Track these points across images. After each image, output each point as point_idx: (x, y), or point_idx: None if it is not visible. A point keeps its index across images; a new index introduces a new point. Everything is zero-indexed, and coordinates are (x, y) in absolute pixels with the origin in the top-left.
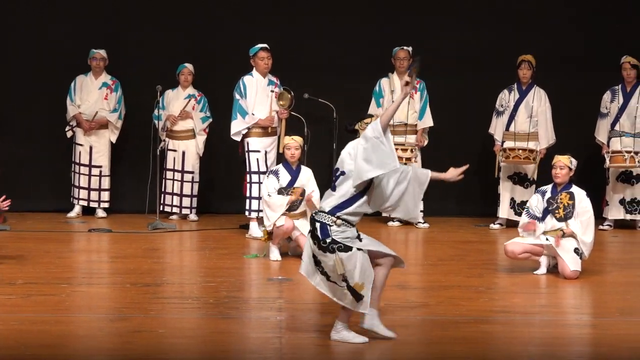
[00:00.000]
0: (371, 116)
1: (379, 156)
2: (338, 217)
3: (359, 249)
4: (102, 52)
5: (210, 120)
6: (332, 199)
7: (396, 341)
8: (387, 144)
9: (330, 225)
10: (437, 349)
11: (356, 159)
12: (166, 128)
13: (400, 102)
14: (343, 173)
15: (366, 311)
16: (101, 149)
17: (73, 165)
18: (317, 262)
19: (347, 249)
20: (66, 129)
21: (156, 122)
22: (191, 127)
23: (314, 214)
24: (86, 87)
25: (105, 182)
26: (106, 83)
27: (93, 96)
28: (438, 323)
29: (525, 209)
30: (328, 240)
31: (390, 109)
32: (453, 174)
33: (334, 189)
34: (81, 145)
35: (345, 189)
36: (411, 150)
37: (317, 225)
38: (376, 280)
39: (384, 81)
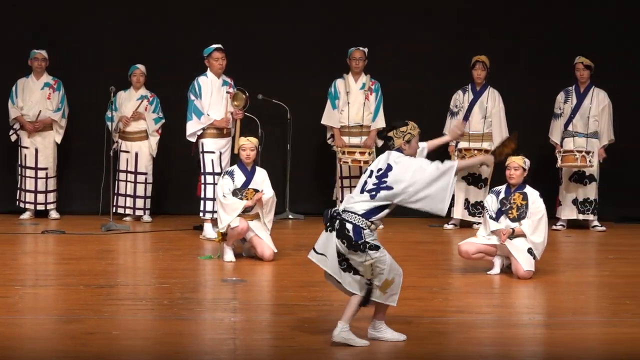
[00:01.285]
0: (405, 124)
1: (436, 193)
2: (372, 222)
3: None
4: (43, 53)
5: (163, 121)
6: (367, 204)
7: None
8: (448, 186)
9: (364, 229)
10: (390, 348)
11: (412, 187)
12: (119, 129)
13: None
14: (390, 188)
15: (394, 304)
16: (46, 150)
17: (19, 168)
18: (342, 261)
19: (377, 247)
20: (10, 133)
21: (109, 123)
22: (144, 128)
23: (341, 213)
24: (28, 88)
25: (51, 184)
26: (48, 83)
27: (35, 97)
28: (392, 323)
29: (485, 210)
30: (360, 242)
31: (470, 162)
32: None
33: (372, 197)
34: (26, 147)
35: (385, 201)
36: (369, 154)
37: (349, 226)
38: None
39: (339, 82)
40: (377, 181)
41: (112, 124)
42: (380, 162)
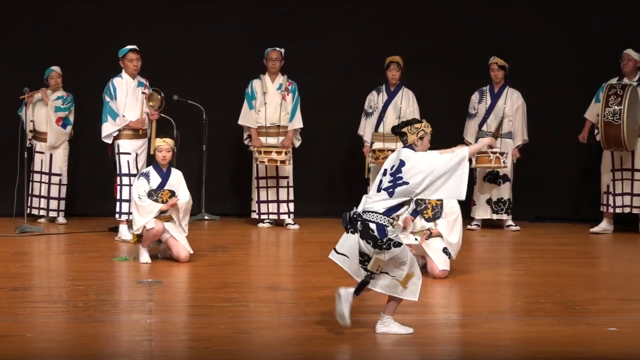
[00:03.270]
0: (419, 121)
1: (455, 181)
2: (393, 219)
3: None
4: None
5: (66, 113)
6: (386, 202)
7: (266, 342)
8: (464, 172)
9: (387, 226)
10: (307, 349)
11: (429, 177)
12: (33, 130)
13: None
14: (407, 183)
15: (415, 299)
16: None
17: None
18: (363, 259)
19: (400, 244)
20: None
21: (25, 121)
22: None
23: (362, 214)
24: None
25: None
26: None
27: None
28: (308, 324)
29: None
30: (385, 240)
31: (477, 146)
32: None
33: (390, 195)
34: None
35: (403, 197)
36: (285, 153)
37: (373, 226)
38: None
39: (255, 82)
40: (392, 178)
41: (25, 125)
42: (392, 160)
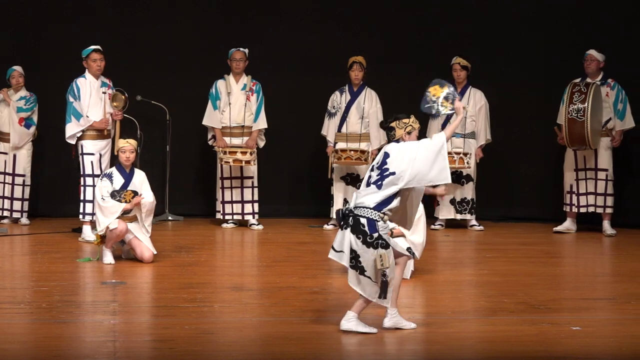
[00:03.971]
0: (408, 116)
1: (439, 166)
2: (384, 213)
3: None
4: None
5: (29, 113)
6: (377, 196)
7: (231, 342)
8: (445, 156)
9: (377, 221)
10: (271, 349)
11: (413, 163)
12: None
13: (456, 126)
14: (393, 173)
15: (388, 305)
16: None
17: None
18: (350, 256)
19: (387, 245)
20: None
21: None
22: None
23: (353, 210)
24: None
25: None
26: None
27: None
28: (272, 324)
29: None
30: (375, 236)
31: (454, 125)
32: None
33: (379, 187)
34: None
35: (392, 188)
36: (250, 153)
37: (364, 221)
38: (395, 279)
39: (220, 83)
40: (379, 172)
41: None
42: (378, 157)
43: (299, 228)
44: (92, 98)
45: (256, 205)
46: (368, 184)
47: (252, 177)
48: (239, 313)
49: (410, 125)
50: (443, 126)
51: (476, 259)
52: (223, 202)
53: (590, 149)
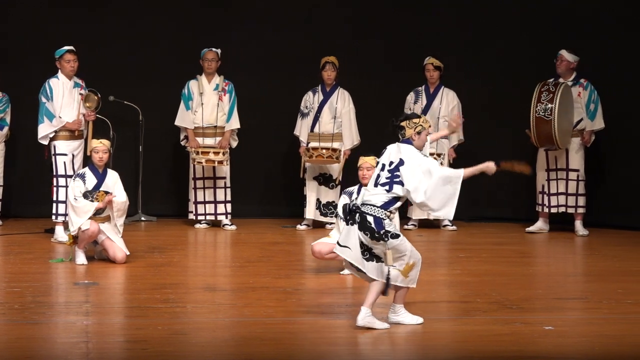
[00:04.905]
0: (418, 116)
1: (448, 206)
2: (390, 212)
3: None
4: None
5: (1, 115)
6: (384, 196)
7: (203, 343)
8: (456, 197)
9: (384, 219)
10: (244, 350)
11: (425, 191)
12: None
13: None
14: (401, 184)
15: (414, 286)
16: None
17: None
18: (363, 250)
19: (397, 235)
20: None
21: None
22: None
23: (360, 207)
24: None
25: None
26: None
27: None
28: (246, 324)
29: (335, 213)
30: (382, 232)
31: (473, 170)
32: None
33: (387, 191)
34: None
35: (399, 193)
36: (222, 154)
37: (370, 218)
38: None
39: (192, 83)
40: (389, 175)
41: None
42: (391, 155)
43: (272, 228)
44: (65, 99)
45: (229, 205)
46: (376, 184)
47: (224, 178)
48: (212, 313)
49: (420, 125)
50: None
51: (449, 259)
52: (196, 203)
53: (560, 149)
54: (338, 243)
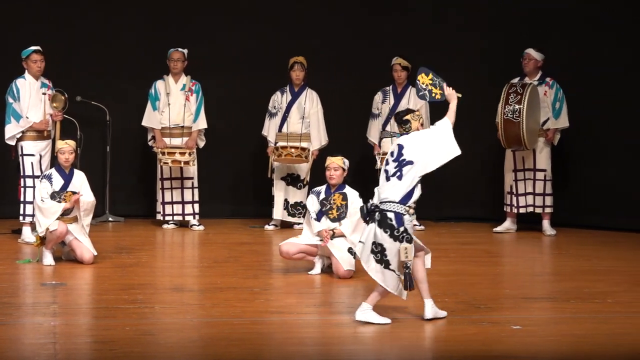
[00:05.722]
0: (417, 109)
1: (449, 144)
2: (409, 207)
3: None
4: None
5: None
6: (400, 189)
7: (171, 343)
8: (452, 134)
9: (404, 215)
10: (212, 350)
11: (427, 149)
12: None
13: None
14: (411, 162)
15: (405, 297)
16: None
17: None
18: (376, 250)
19: (411, 239)
20: None
21: None
22: None
23: (379, 205)
24: None
25: None
26: None
27: None
28: (214, 325)
29: (307, 212)
30: (402, 229)
31: (452, 110)
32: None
33: (399, 178)
34: None
35: (411, 177)
36: (189, 154)
37: (391, 215)
38: (420, 272)
39: (159, 83)
40: (396, 163)
41: None
42: (390, 150)
43: (240, 228)
44: (32, 99)
45: (197, 205)
46: (387, 178)
47: (192, 178)
48: (180, 314)
49: (421, 115)
50: (384, 126)
51: None
52: (163, 203)
53: (527, 150)
54: (360, 241)
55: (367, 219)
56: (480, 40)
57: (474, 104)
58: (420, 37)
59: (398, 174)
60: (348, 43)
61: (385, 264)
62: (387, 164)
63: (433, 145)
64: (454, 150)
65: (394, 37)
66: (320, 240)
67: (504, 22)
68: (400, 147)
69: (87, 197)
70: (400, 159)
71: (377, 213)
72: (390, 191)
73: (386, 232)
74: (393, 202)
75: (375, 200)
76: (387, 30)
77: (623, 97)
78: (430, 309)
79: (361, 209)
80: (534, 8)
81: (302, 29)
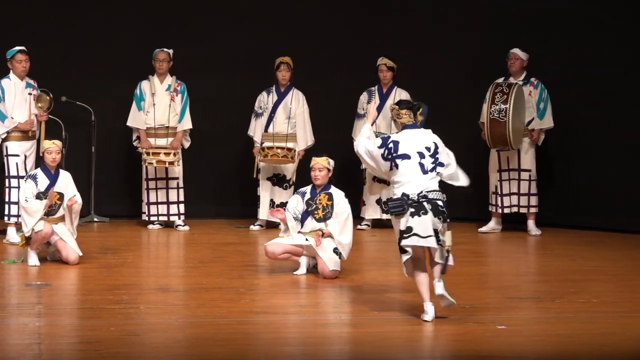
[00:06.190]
0: (419, 107)
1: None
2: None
3: None
4: None
5: None
6: (437, 180)
7: (157, 344)
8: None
9: (445, 201)
10: (197, 350)
11: (453, 163)
12: None
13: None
14: (442, 164)
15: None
16: None
17: None
18: (436, 237)
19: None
20: None
21: None
22: None
23: (427, 195)
24: None
25: None
26: None
27: None
28: (199, 325)
29: (286, 211)
30: (446, 213)
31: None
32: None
33: (438, 174)
34: None
35: (442, 172)
36: (174, 154)
37: (441, 203)
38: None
39: (144, 83)
40: (433, 160)
41: None
42: (425, 141)
43: (225, 229)
44: (17, 99)
45: (182, 206)
46: (425, 172)
47: (177, 178)
48: (165, 314)
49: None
50: None
51: None
52: (148, 204)
53: (513, 150)
54: (417, 235)
55: (413, 211)
56: (480, 40)
57: (474, 104)
58: (420, 37)
59: (436, 170)
60: (348, 43)
61: (443, 243)
62: (422, 156)
63: (453, 166)
64: (465, 180)
65: (394, 37)
66: (307, 239)
67: (504, 22)
68: (436, 146)
69: (77, 198)
70: (436, 157)
71: (426, 203)
72: (431, 182)
73: (439, 218)
74: (438, 191)
75: (416, 190)
76: (387, 30)
77: (623, 97)
78: (440, 289)
79: (397, 204)
80: (534, 8)
81: (302, 29)
